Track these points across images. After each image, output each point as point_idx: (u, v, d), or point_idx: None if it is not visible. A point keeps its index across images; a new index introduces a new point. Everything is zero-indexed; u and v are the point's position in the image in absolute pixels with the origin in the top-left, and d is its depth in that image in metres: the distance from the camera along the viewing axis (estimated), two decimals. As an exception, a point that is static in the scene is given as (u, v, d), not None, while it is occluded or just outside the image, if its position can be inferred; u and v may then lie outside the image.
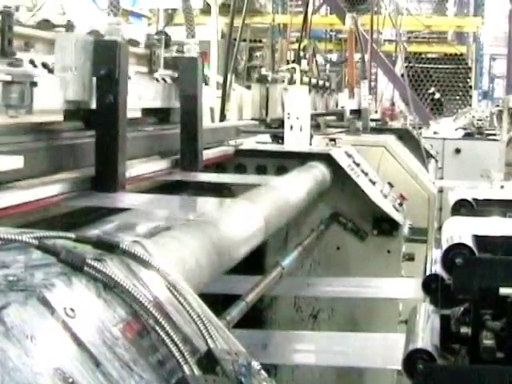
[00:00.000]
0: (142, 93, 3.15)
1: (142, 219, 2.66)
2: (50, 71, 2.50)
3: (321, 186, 4.00)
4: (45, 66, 2.54)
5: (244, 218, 2.58)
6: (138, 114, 3.35)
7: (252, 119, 5.03)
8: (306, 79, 5.84)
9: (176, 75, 3.44)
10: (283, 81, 4.99)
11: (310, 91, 5.36)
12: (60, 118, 2.59)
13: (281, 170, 4.14)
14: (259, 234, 2.66)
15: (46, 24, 2.82)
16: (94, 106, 2.59)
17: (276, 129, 4.72)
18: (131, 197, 2.70)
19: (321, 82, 6.76)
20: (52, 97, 2.41)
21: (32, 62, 2.50)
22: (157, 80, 3.35)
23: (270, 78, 4.91)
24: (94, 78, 2.56)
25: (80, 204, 2.55)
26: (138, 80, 3.11)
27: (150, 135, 3.48)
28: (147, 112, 3.46)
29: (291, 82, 5.00)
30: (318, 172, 4.06)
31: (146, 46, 3.33)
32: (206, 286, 1.99)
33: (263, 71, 5.17)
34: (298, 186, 3.56)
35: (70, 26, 2.76)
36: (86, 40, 2.55)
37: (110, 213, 2.65)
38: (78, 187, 2.53)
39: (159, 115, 3.66)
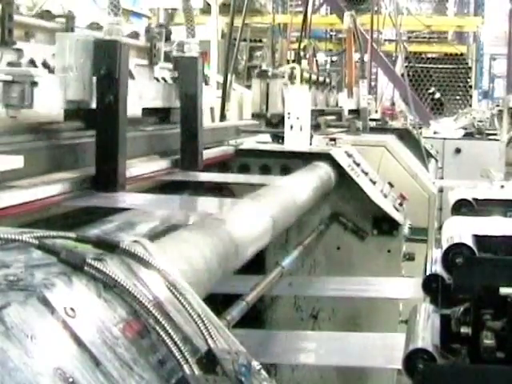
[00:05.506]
0: (143, 92, 3.15)
1: (146, 219, 2.66)
2: (51, 71, 2.50)
3: (326, 185, 4.00)
4: (45, 65, 2.54)
5: (252, 218, 2.58)
6: (139, 114, 3.35)
7: (252, 114, 5.03)
8: (306, 75, 5.83)
9: (176, 74, 3.43)
10: (283, 76, 4.98)
11: (310, 87, 5.35)
12: (60, 117, 2.59)
13: (281, 170, 4.14)
14: (267, 234, 2.66)
15: (46, 14, 2.81)
16: (94, 105, 2.59)
17: (276, 127, 4.72)
18: (131, 197, 2.70)
19: (321, 79, 6.76)
20: (52, 96, 2.41)
21: (32, 61, 2.49)
22: (157, 80, 3.34)
23: (270, 74, 4.91)
24: (95, 78, 2.56)
25: (80, 204, 2.55)
26: (138, 79, 3.10)
27: (150, 135, 3.48)
28: (148, 112, 3.46)
29: (291, 77, 4.99)
30: (322, 172, 4.06)
31: (146, 39, 3.32)
32: (215, 286, 2.00)
33: (264, 66, 5.16)
34: (303, 185, 3.56)
35: (70, 18, 2.75)
36: (86, 40, 2.55)
37: (111, 213, 2.64)
38: (78, 187, 2.53)
39: (159, 115, 3.65)
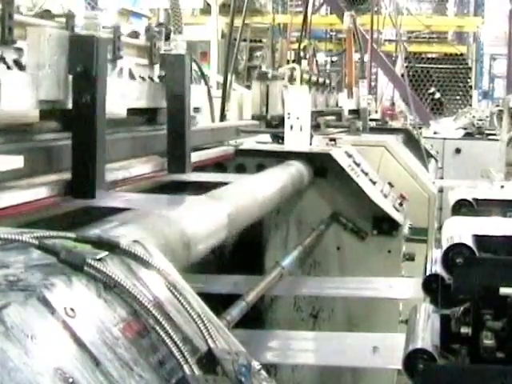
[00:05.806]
0: (127, 92, 2.97)
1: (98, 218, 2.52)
2: (22, 68, 2.32)
3: (296, 183, 3.95)
4: (16, 62, 2.40)
5: (205, 215, 2.51)
6: (124, 114, 3.24)
7: (252, 116, 5.02)
8: (306, 76, 5.82)
9: (163, 72, 3.30)
10: (283, 78, 4.98)
11: (310, 88, 5.35)
12: (35, 119, 2.47)
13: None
14: (222, 231, 2.59)
15: (46, 14, 2.74)
16: (70, 105, 2.43)
17: (276, 128, 4.72)
18: (108, 201, 2.55)
19: (321, 80, 6.77)
20: (22, 96, 2.24)
21: (3, 58, 2.35)
22: (142, 78, 3.22)
23: (270, 75, 4.90)
24: (70, 76, 2.40)
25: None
26: (122, 79, 2.97)
27: (134, 136, 3.36)
28: (133, 112, 3.33)
29: (291, 78, 4.99)
30: (293, 170, 4.02)
31: (146, 38, 3.24)
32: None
33: (263, 68, 5.15)
34: (268, 183, 3.51)
35: (70, 17, 2.64)
36: (61, 35, 2.38)
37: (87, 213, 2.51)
38: (54, 192, 2.36)
39: (146, 115, 3.52)
